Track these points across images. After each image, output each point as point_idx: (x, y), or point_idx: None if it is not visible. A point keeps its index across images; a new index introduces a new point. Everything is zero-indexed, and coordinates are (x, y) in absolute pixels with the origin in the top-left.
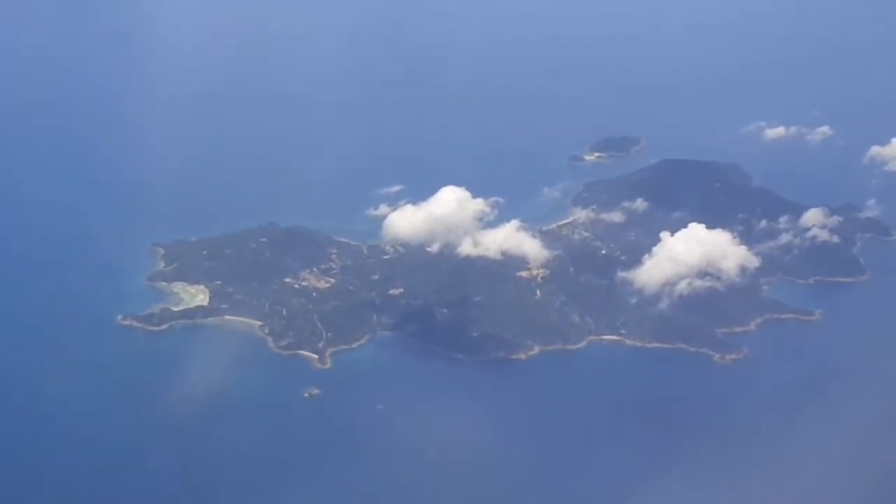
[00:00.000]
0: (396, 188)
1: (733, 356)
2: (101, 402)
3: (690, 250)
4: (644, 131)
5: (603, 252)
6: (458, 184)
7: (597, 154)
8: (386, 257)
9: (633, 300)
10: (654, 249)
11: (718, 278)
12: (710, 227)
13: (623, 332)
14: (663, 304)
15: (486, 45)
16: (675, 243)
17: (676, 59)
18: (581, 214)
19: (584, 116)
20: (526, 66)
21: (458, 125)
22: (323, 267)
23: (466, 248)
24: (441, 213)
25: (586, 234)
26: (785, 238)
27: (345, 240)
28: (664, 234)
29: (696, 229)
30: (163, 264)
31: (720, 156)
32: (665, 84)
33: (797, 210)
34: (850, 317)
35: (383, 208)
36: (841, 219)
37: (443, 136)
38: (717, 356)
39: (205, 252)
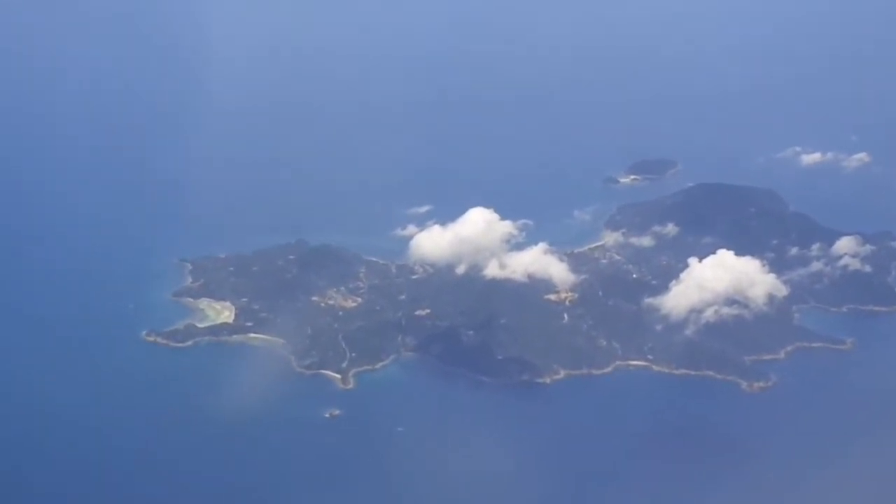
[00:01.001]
0: (425, 208)
1: (761, 384)
2: (121, 417)
3: (718, 277)
4: (681, 154)
5: (634, 276)
6: (488, 204)
7: (632, 176)
8: (414, 277)
9: (659, 326)
10: (682, 275)
11: (746, 306)
12: (741, 252)
13: (650, 357)
14: (690, 331)
15: (524, 63)
16: (703, 270)
17: (716, 81)
18: (610, 238)
19: (621, 137)
20: (564, 86)
21: (492, 144)
22: (350, 286)
23: (493, 270)
24: (468, 235)
25: (615, 258)
26: (816, 266)
27: (374, 258)
28: (692, 260)
29: (724, 256)
30: (190, 280)
31: (756, 180)
32: (704, 106)
33: (831, 237)
34: (882, 346)
35: (411, 228)
36: (874, 247)
37: (476, 155)
38: (745, 384)
39: (232, 268)
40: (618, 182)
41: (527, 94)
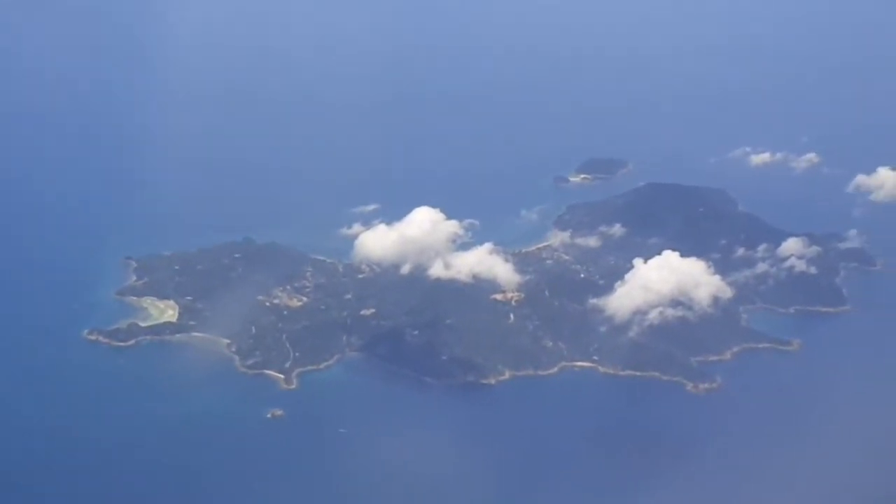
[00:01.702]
0: (372, 207)
1: (707, 385)
2: (58, 417)
3: (663, 278)
4: (632, 153)
5: (581, 276)
6: (436, 203)
7: (583, 175)
8: (361, 276)
9: (604, 328)
10: (627, 276)
11: (690, 308)
12: (688, 253)
13: (596, 358)
14: (635, 332)
15: (475, 61)
16: (648, 271)
17: (668, 81)
18: (557, 238)
19: (573, 136)
20: (515, 84)
21: (443, 143)
22: (296, 285)
23: (437, 270)
24: (413, 235)
25: (563, 258)
26: (762, 267)
27: (321, 257)
28: (637, 261)
29: (669, 257)
30: (134, 278)
31: (707, 180)
32: (655, 106)
33: (779, 238)
34: (828, 347)
35: (357, 227)
36: (820, 249)
37: (427, 154)
38: (690, 385)
39: (177, 267)
40: (568, 181)
41: (480, 93)
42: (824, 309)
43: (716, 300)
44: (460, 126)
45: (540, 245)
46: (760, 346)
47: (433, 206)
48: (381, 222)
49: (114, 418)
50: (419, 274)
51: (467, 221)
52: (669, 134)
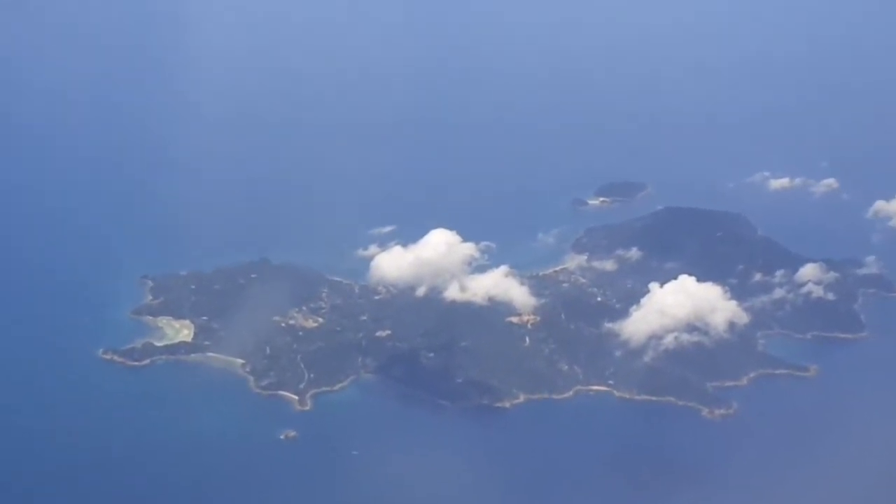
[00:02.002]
0: (388, 228)
1: (722, 411)
2: (71, 436)
3: (679, 303)
4: (651, 176)
5: (598, 299)
6: (453, 225)
7: (601, 199)
8: (377, 298)
9: (619, 352)
10: (643, 300)
11: (706, 333)
12: (705, 278)
13: (611, 382)
14: (651, 357)
15: (495, 82)
16: (664, 295)
17: (688, 103)
18: (573, 261)
19: (591, 159)
20: (535, 106)
21: (462, 165)
22: (312, 306)
23: (453, 292)
24: (428, 257)
25: (579, 281)
26: (779, 293)
27: (337, 278)
28: (653, 285)
29: (685, 281)
30: (150, 297)
31: (726, 204)
32: (675, 128)
33: (797, 263)
34: (845, 374)
35: (373, 248)
36: (837, 275)
37: (446, 176)
38: (705, 410)
39: (193, 286)
40: (586, 204)
41: (499, 115)
42: (842, 335)
43: (732, 326)
44: (479, 148)
45: (556, 268)
46: (777, 371)
47: (450, 227)
48: (397, 244)
49: (126, 438)
50: (434, 296)
51: (483, 244)
52: (689, 157)
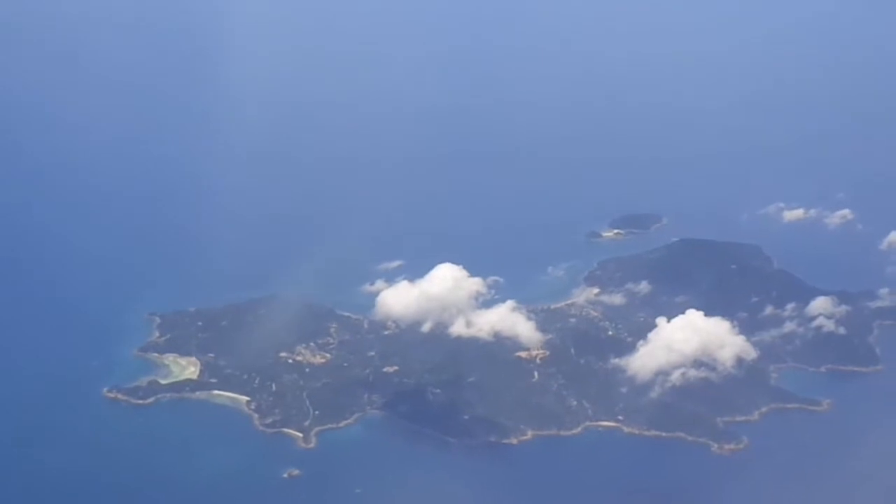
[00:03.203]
0: (396, 263)
1: (732, 446)
2: (73, 475)
3: (686, 338)
4: (666, 208)
5: (610, 333)
6: (462, 260)
7: (616, 231)
8: (386, 333)
9: (626, 388)
10: (650, 335)
11: (714, 369)
12: (716, 311)
13: (621, 418)
14: (659, 392)
15: (511, 117)
16: (672, 331)
17: (703, 134)
18: (582, 295)
19: (606, 190)
20: (551, 140)
21: (475, 198)
22: (320, 341)
23: (459, 328)
24: (434, 292)
25: (591, 315)
26: (789, 327)
27: (346, 314)
28: (660, 320)
29: (693, 316)
30: (157, 334)
31: (742, 236)
32: (690, 159)
33: (812, 295)
34: (859, 408)
35: (380, 283)
36: (849, 308)
37: (457, 209)
38: (715, 446)
39: (200, 323)
40: (601, 236)
41: (513, 148)
42: (857, 368)
43: (740, 361)
44: (492, 181)
45: (565, 302)
46: (789, 406)
47: (459, 262)
48: (404, 279)
49: (128, 478)
50: (441, 331)
51: (492, 278)
52: (704, 188)
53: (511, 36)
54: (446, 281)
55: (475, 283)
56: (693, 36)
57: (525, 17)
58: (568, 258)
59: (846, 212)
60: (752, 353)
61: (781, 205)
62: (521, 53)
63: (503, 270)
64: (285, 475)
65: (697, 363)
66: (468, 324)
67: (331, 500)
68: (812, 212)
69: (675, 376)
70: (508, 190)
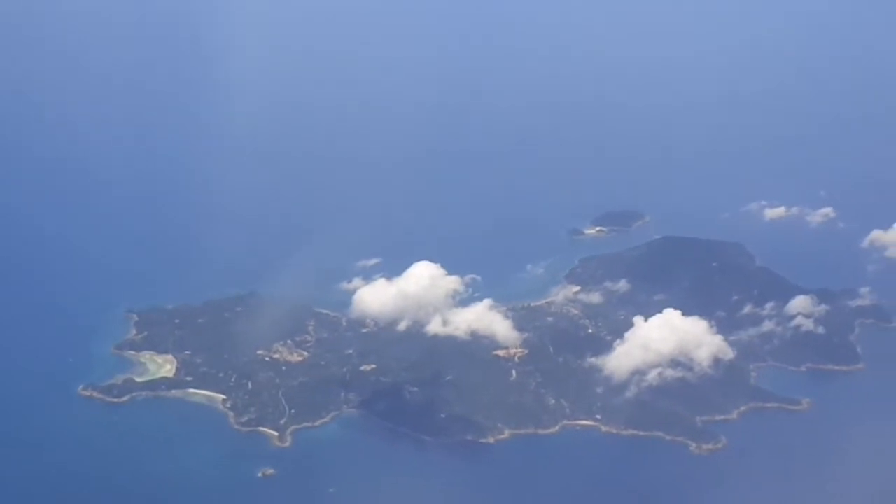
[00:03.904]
0: (374, 261)
1: (710, 446)
2: (44, 475)
3: (664, 337)
4: (649, 206)
5: (590, 331)
6: (442, 258)
7: (598, 228)
8: (364, 331)
9: (601, 388)
10: (626, 335)
11: (690, 368)
12: (695, 310)
13: (599, 417)
14: (636, 392)
15: (494, 114)
16: (649, 329)
17: (687, 132)
18: (560, 294)
19: (589, 188)
20: (534, 136)
21: (457, 197)
22: (298, 339)
23: (435, 326)
24: (411, 290)
25: (565, 314)
26: (767, 326)
27: (325, 311)
28: (637, 319)
29: (670, 316)
30: (134, 332)
31: (724, 234)
32: (673, 157)
33: (793, 293)
34: (839, 407)
35: (357, 281)
36: (828, 307)
37: (439, 208)
38: (693, 446)
39: (178, 320)
40: (583, 234)
41: (497, 146)
42: (837, 367)
43: (717, 361)
44: (475, 178)
45: (544, 300)
46: (769, 405)
47: (439, 260)
48: (381, 277)
49: (101, 477)
50: (417, 330)
51: (469, 276)
52: (687, 186)
53: (494, 35)
54: (423, 279)
55: (452, 282)
56: (677, 36)
57: (509, 17)
58: (548, 256)
59: (828, 210)
60: (729, 354)
61: (763, 203)
62: (503, 52)
63: (483, 268)
64: (259, 474)
65: (674, 363)
66: (444, 322)
67: (304, 500)
68: (794, 210)
69: (652, 376)
70: (491, 188)
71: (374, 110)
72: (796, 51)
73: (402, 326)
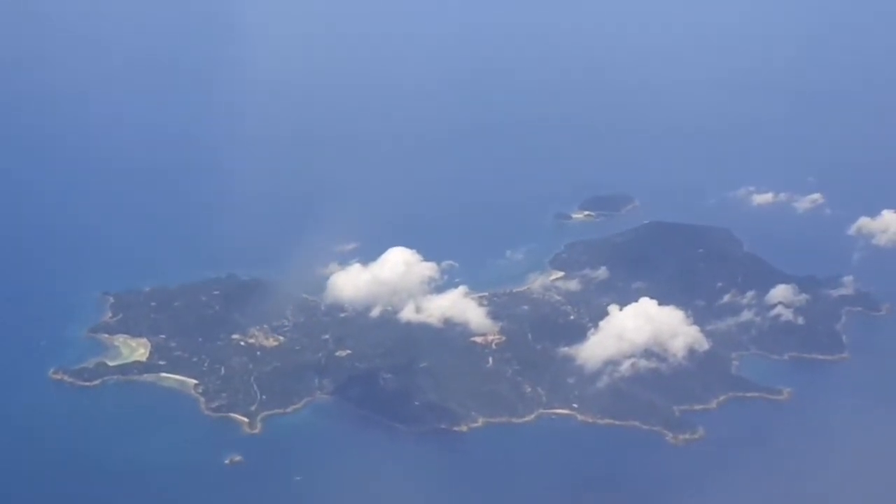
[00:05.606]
0: (352, 245)
1: (687, 436)
2: (10, 459)
3: (638, 327)
4: (638, 189)
5: (572, 318)
6: (420, 244)
7: (586, 212)
8: (342, 315)
9: (572, 378)
10: (601, 324)
11: (664, 359)
12: (675, 298)
13: (575, 406)
14: (614, 380)
15: (482, 95)
16: (623, 319)
17: (677, 116)
18: (538, 281)
19: (577, 171)
20: (521, 117)
21: (442, 181)
22: (275, 324)
23: (408, 313)
24: (385, 276)
25: (544, 301)
26: (746, 315)
27: (305, 295)
28: (612, 308)
29: (645, 304)
30: (109, 314)
31: (712, 219)
32: (662, 141)
33: (779, 281)
34: (820, 396)
35: (333, 266)
36: (809, 297)
37: (424, 189)
38: (670, 436)
39: (154, 303)
40: (570, 218)
41: (483, 127)
42: (821, 356)
43: (692, 352)
44: (461, 162)
45: (523, 287)
46: (749, 394)
47: (420, 245)
48: (357, 261)
49: (65, 462)
50: (390, 317)
51: (446, 262)
52: (675, 171)
53: (481, 15)
54: (397, 265)
55: (427, 268)
56: (665, 18)
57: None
58: (531, 241)
59: (816, 196)
60: (704, 344)
61: (752, 188)
62: (488, 34)
63: (462, 254)
64: (227, 461)
65: (648, 353)
66: (418, 309)
67: (270, 488)
68: (782, 195)
69: (626, 366)
70: (478, 171)
71: (355, 93)
72: (788, 32)
73: (375, 313)
